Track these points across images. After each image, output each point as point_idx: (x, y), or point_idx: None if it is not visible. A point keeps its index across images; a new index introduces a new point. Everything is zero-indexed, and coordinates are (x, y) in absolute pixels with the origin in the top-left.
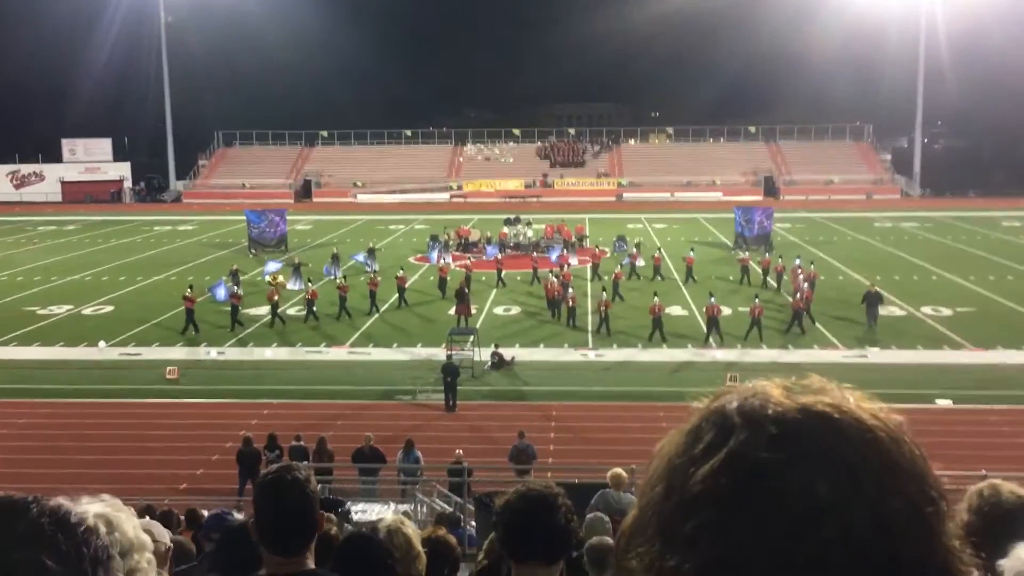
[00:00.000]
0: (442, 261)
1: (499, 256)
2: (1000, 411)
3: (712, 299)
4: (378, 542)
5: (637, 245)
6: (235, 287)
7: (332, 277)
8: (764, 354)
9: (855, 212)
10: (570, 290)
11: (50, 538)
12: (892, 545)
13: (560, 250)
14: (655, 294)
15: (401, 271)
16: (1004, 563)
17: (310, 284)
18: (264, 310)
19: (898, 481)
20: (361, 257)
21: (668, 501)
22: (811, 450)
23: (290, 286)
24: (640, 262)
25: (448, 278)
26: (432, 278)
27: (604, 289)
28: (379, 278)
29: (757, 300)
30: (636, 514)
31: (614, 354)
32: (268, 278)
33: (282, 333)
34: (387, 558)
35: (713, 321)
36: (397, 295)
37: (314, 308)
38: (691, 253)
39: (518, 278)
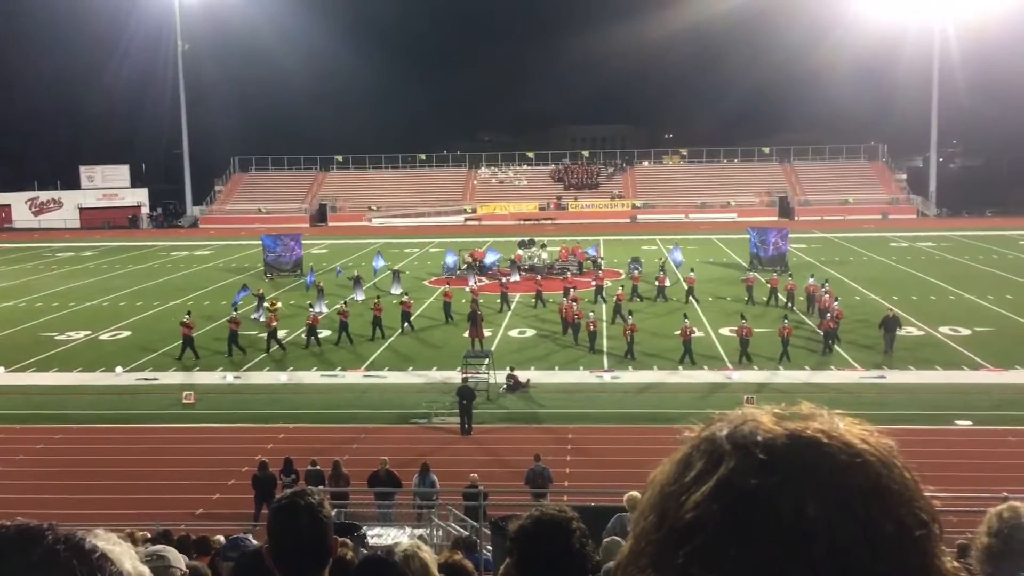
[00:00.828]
0: (472, 283)
1: (504, 280)
2: (1020, 432)
3: (744, 320)
4: (393, 564)
5: (663, 267)
6: (255, 311)
7: (359, 299)
8: (784, 376)
9: (871, 232)
10: (591, 313)
11: (65, 565)
12: (884, 568)
13: (520, 273)
14: (685, 316)
15: (406, 296)
16: None
17: (312, 309)
18: (282, 333)
19: (888, 504)
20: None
21: (660, 530)
22: (801, 476)
23: (318, 308)
24: (667, 282)
25: (464, 300)
26: (464, 300)
27: (631, 313)
28: (409, 299)
29: (786, 321)
30: (630, 544)
31: (630, 376)
32: (267, 304)
33: (318, 354)
34: None
35: (744, 343)
36: (401, 319)
37: (316, 333)
38: (691, 273)
39: (532, 301)
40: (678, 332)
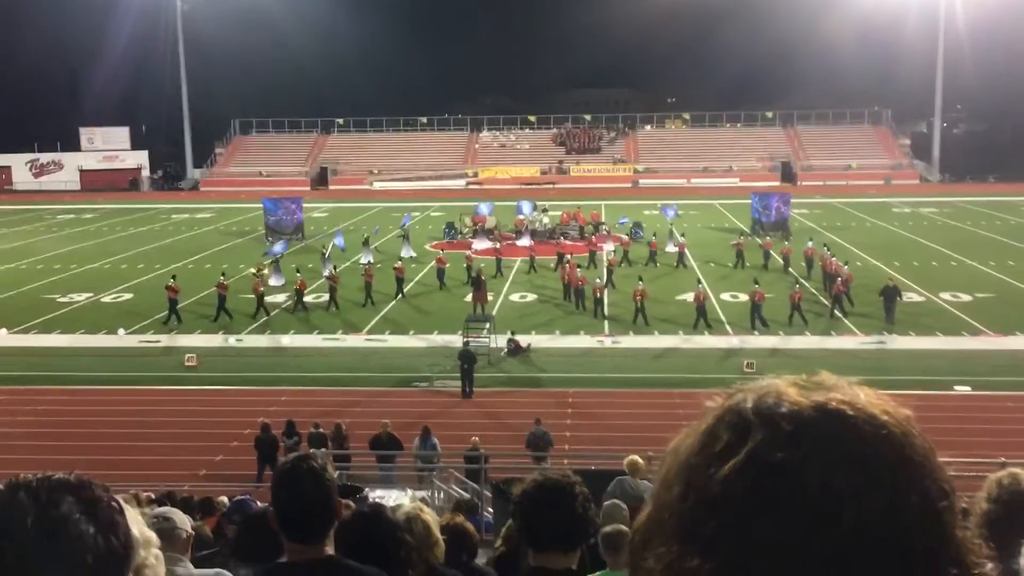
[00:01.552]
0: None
1: (499, 246)
2: (1019, 397)
3: (757, 286)
4: (385, 519)
5: (682, 234)
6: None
7: (367, 263)
8: (784, 341)
9: (873, 197)
10: (597, 280)
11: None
12: (908, 538)
13: (528, 239)
14: (699, 282)
15: (399, 262)
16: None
17: (299, 274)
18: (282, 297)
19: (912, 476)
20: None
21: (686, 502)
22: (828, 447)
23: (272, 282)
24: (671, 247)
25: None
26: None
27: (640, 278)
28: (401, 264)
29: (797, 286)
30: (651, 514)
31: (631, 341)
32: (253, 269)
33: (304, 319)
34: (395, 531)
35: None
36: (396, 286)
37: (304, 297)
38: (682, 238)
39: (526, 267)
40: (690, 298)
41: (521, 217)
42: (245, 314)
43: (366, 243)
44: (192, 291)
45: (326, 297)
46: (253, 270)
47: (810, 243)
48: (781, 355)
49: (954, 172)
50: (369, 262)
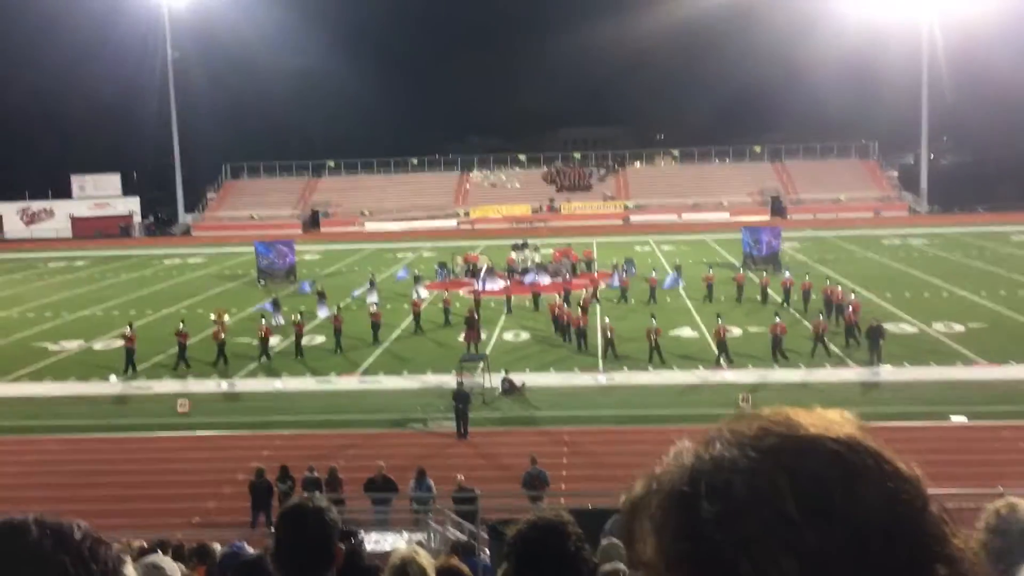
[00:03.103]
0: (415, 294)
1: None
2: (1015, 427)
3: (720, 320)
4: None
5: (677, 268)
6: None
7: (372, 303)
8: (777, 375)
9: (863, 230)
10: (607, 319)
11: (50, 559)
12: (885, 529)
13: (535, 275)
14: (718, 316)
15: (416, 295)
16: None
17: (296, 317)
18: (275, 340)
19: (868, 483)
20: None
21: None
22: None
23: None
24: (663, 284)
25: (459, 304)
26: (439, 305)
27: (653, 316)
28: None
29: (778, 319)
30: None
31: (624, 377)
32: (213, 316)
33: (299, 363)
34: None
35: (722, 344)
36: (412, 320)
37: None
38: (653, 274)
39: (526, 303)
40: (684, 333)
41: (513, 256)
42: (243, 355)
43: (372, 284)
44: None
45: (321, 339)
46: (213, 316)
47: (807, 278)
48: (774, 389)
49: (942, 203)
50: (376, 303)
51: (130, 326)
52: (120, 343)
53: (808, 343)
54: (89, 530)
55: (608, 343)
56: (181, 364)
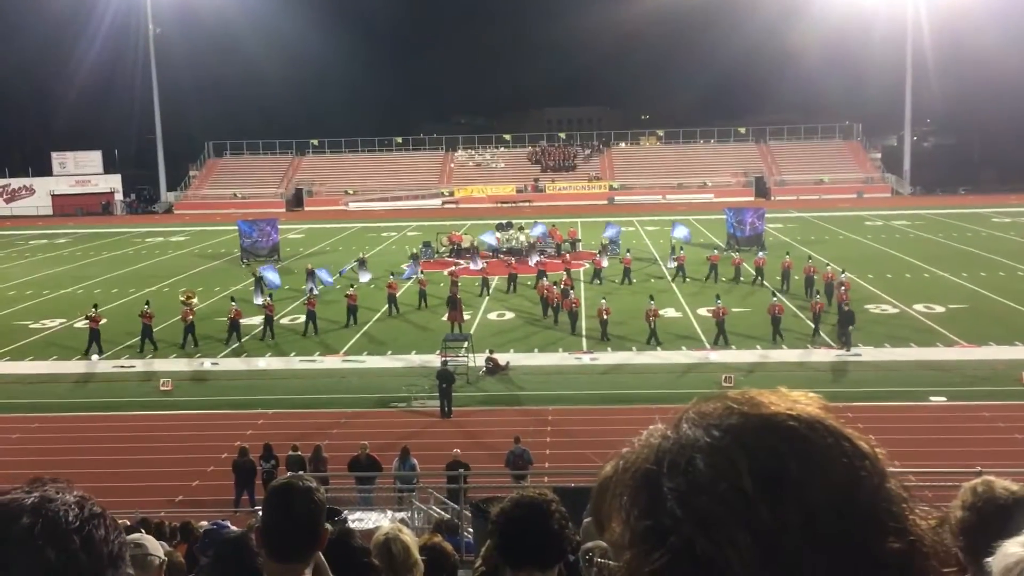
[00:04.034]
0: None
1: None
2: (994, 407)
3: (719, 301)
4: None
5: (680, 248)
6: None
7: (366, 281)
8: (758, 355)
9: (846, 211)
10: (571, 294)
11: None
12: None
13: (539, 256)
14: (717, 297)
15: (392, 277)
16: (991, 561)
17: (269, 298)
18: (257, 320)
19: (824, 460)
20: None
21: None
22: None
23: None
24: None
25: (443, 284)
26: (442, 284)
27: (651, 297)
28: (354, 290)
29: (775, 298)
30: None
31: (609, 357)
32: (182, 297)
33: (275, 345)
34: (363, 557)
35: (721, 324)
36: (387, 303)
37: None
38: (628, 254)
39: (496, 283)
40: (709, 313)
41: (498, 236)
42: (216, 339)
43: (363, 263)
44: (169, 315)
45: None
46: (182, 298)
47: (787, 256)
48: (759, 369)
49: (925, 185)
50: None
51: (95, 307)
52: (102, 321)
53: (797, 323)
54: (92, 512)
55: (603, 325)
56: (147, 345)
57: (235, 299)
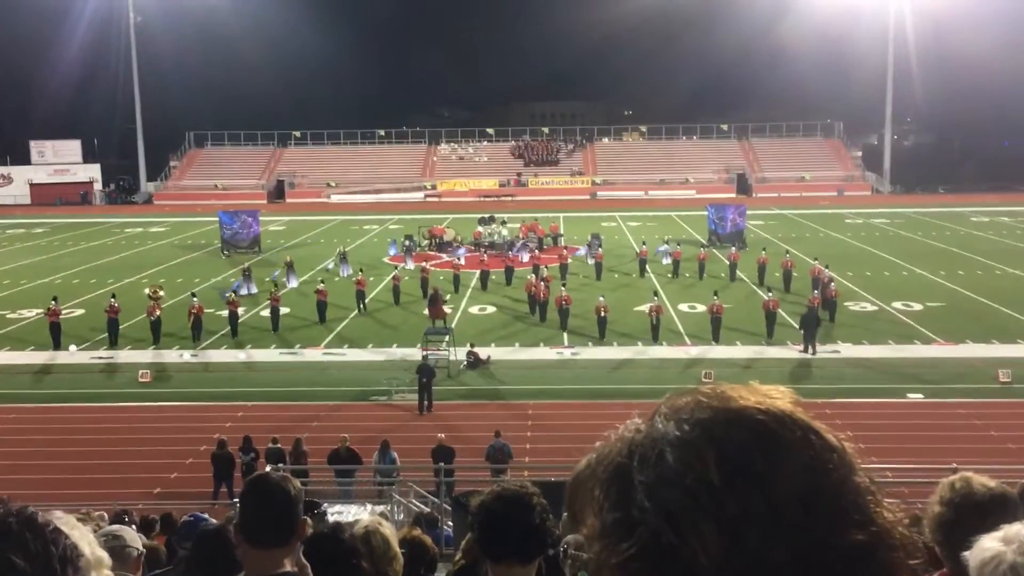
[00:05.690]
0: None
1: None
2: (971, 404)
3: (716, 297)
4: (342, 540)
5: (678, 243)
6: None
7: (348, 275)
8: (738, 351)
9: (826, 209)
10: (562, 291)
11: (18, 537)
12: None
13: (531, 250)
14: (715, 294)
15: (360, 273)
16: (967, 555)
17: (233, 295)
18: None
19: (790, 453)
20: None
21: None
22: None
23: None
24: (665, 260)
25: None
26: (408, 279)
27: (656, 293)
28: (363, 276)
29: (770, 294)
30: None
31: (590, 352)
32: (148, 291)
33: (259, 338)
34: (353, 556)
35: (717, 320)
36: (356, 300)
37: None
38: (599, 250)
39: (492, 277)
40: (704, 308)
41: (479, 230)
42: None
43: (344, 258)
44: (145, 307)
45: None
46: (148, 292)
47: (763, 252)
48: (737, 365)
49: (904, 183)
50: (350, 274)
51: (55, 299)
52: (80, 312)
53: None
54: (50, 519)
55: (602, 324)
56: (110, 340)
57: (235, 293)
